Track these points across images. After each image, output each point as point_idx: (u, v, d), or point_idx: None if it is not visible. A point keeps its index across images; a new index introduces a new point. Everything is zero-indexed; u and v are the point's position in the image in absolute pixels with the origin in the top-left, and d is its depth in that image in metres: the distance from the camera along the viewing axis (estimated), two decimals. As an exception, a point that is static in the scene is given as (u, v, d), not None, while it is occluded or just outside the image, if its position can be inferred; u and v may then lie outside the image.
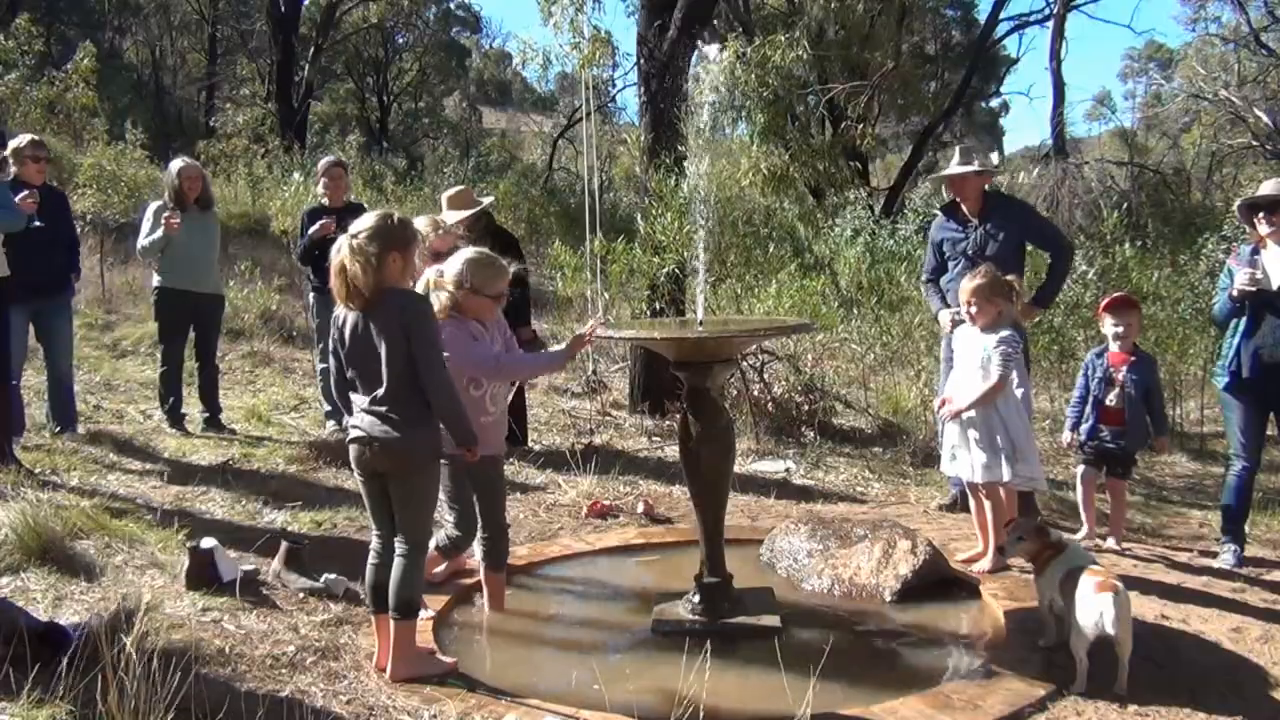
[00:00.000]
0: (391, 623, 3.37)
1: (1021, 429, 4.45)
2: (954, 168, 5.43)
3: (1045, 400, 7.74)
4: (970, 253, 5.34)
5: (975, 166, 5.39)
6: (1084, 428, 5.01)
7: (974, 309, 4.46)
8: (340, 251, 3.25)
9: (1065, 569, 3.53)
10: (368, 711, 3.14)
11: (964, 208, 5.44)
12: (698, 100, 7.56)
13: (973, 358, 4.47)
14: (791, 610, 4.13)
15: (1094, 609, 3.26)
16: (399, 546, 3.37)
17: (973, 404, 4.41)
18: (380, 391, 3.28)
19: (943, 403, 4.68)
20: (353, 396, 3.40)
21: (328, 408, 6.92)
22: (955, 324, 5.26)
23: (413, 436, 3.29)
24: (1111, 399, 4.91)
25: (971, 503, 4.74)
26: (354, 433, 3.36)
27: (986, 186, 5.55)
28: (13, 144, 5.86)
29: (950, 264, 5.47)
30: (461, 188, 6.50)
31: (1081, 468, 5.04)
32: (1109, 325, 4.99)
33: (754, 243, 8.62)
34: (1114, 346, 4.95)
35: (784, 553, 4.62)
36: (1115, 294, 5.40)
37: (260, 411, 7.25)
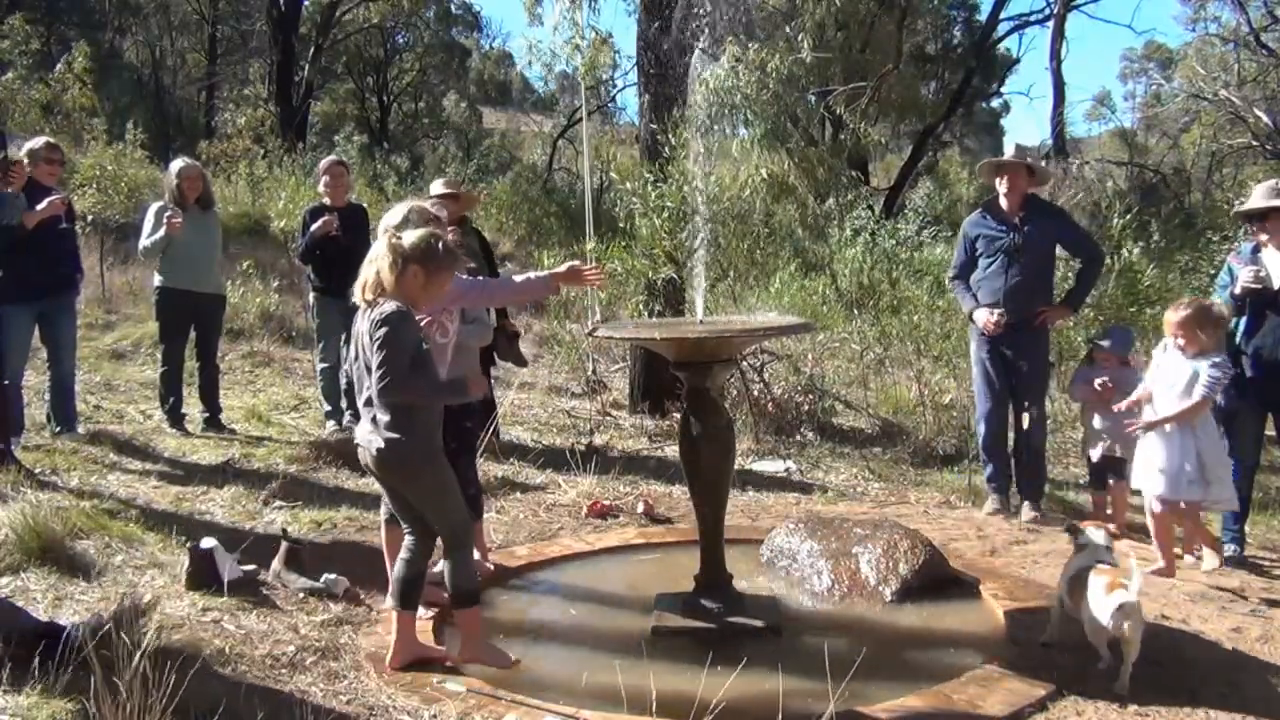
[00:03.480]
0: (395, 612, 3.48)
1: (1214, 451, 4.39)
2: (1008, 156, 5.49)
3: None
4: (1010, 251, 5.38)
5: (1028, 160, 5.49)
6: None
7: (1181, 340, 4.40)
8: (378, 245, 3.34)
9: (1076, 569, 3.59)
10: (368, 711, 3.14)
11: (1004, 204, 5.46)
12: (698, 103, 7.58)
13: (1178, 381, 4.39)
14: (791, 610, 4.13)
15: (1105, 609, 3.29)
16: (442, 546, 3.45)
17: (1169, 419, 4.36)
18: (367, 397, 3.36)
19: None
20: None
21: (328, 408, 6.92)
22: (999, 325, 5.30)
23: (398, 444, 3.31)
24: None
25: (1151, 520, 4.59)
26: (357, 435, 3.47)
27: (1037, 191, 5.63)
28: (28, 145, 5.88)
29: (984, 261, 5.49)
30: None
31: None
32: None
33: (754, 244, 8.63)
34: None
35: (784, 552, 4.62)
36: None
37: (260, 411, 7.24)
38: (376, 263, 3.30)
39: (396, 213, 3.81)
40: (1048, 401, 5.85)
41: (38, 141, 6.05)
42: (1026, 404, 5.48)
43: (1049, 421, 5.84)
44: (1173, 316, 4.45)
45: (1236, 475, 4.76)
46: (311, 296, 7.04)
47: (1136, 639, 3.29)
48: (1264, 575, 4.57)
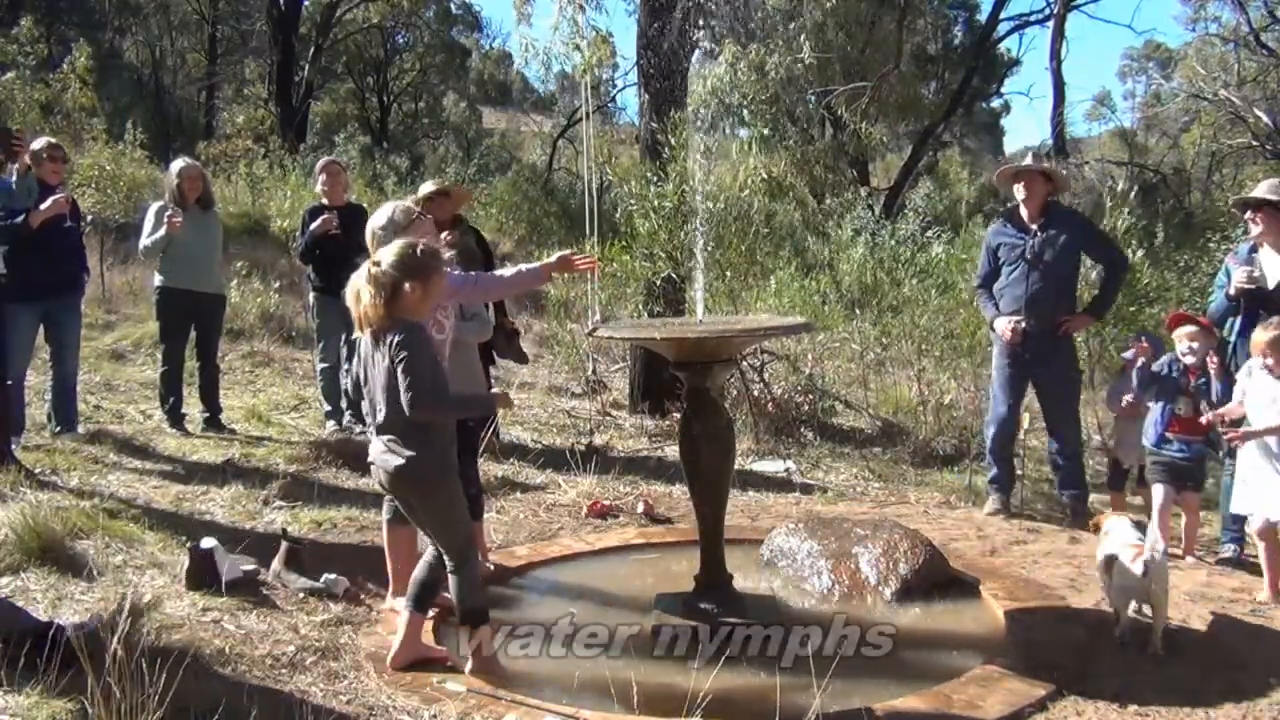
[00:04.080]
0: (407, 612, 3.52)
1: None
2: (1025, 163, 5.50)
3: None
4: (1029, 258, 5.37)
5: (1044, 166, 5.52)
6: (1151, 434, 4.91)
7: (1271, 360, 4.30)
8: (359, 277, 3.29)
9: (1105, 553, 3.82)
10: (368, 711, 3.14)
11: (1024, 212, 5.46)
12: (697, 103, 7.58)
13: (1271, 403, 4.31)
14: (791, 610, 4.13)
15: (1131, 574, 3.57)
16: (448, 564, 3.45)
17: (1271, 430, 4.27)
18: (381, 419, 3.36)
19: (1211, 425, 4.58)
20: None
21: (327, 408, 6.93)
22: (1016, 332, 5.30)
23: (415, 461, 3.32)
24: (1182, 408, 4.79)
25: (1261, 544, 4.44)
26: (370, 455, 3.48)
27: (1058, 198, 5.61)
28: (32, 146, 5.88)
29: (1006, 269, 5.49)
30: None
31: (1159, 489, 4.82)
32: (1180, 344, 4.86)
33: (753, 243, 8.62)
34: (1188, 360, 4.82)
35: (784, 552, 4.62)
36: (1178, 313, 5.24)
37: (260, 411, 7.24)
38: (363, 295, 3.26)
39: (381, 214, 3.80)
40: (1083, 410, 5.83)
41: (39, 141, 6.05)
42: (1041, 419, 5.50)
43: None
44: (1261, 336, 4.35)
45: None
46: (311, 296, 7.04)
47: (1164, 599, 3.60)
48: (1264, 575, 4.56)
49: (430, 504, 3.43)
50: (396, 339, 3.24)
